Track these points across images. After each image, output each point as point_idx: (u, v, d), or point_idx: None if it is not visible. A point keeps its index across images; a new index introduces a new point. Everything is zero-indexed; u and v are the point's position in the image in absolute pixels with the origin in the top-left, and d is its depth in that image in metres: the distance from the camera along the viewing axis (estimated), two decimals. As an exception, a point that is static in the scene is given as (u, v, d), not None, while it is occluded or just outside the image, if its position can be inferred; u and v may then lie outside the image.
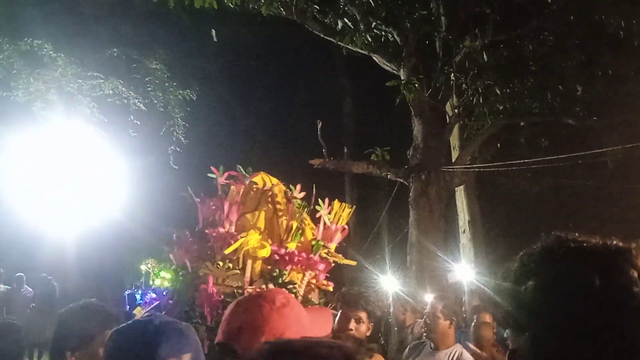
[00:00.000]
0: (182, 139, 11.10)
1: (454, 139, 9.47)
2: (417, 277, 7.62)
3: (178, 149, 11.00)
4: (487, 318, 4.20)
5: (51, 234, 6.86)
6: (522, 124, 8.92)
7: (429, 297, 6.13)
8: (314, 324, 1.60)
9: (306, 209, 2.85)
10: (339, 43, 8.28)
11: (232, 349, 1.45)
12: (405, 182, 8.29)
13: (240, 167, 2.80)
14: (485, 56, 7.46)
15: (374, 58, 8.55)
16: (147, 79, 10.97)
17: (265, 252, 2.62)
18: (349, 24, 8.08)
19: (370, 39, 7.95)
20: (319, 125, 8.12)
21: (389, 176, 8.44)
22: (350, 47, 8.33)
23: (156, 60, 11.04)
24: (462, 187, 9.52)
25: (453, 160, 8.79)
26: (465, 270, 7.15)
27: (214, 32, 9.69)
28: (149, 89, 10.98)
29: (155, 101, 11.08)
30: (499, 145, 9.35)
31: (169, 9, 8.36)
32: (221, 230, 2.63)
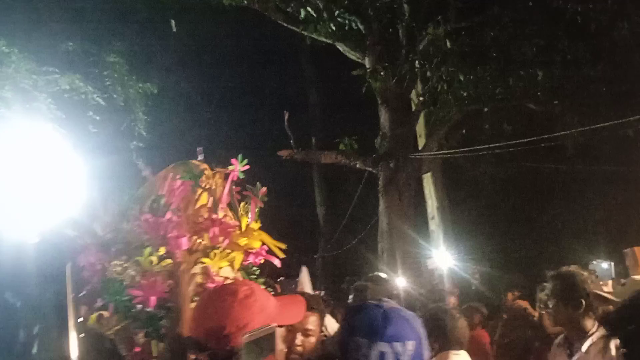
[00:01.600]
0: (144, 133, 10.84)
1: (420, 127, 9.54)
2: (389, 264, 7.68)
3: (140, 144, 10.74)
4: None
5: (10, 237, 6.59)
6: (485, 110, 9.05)
7: (401, 282, 6.18)
8: (282, 313, 1.59)
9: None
10: (302, 32, 8.20)
11: (197, 342, 1.47)
12: (374, 171, 8.32)
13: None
14: (448, 43, 7.51)
15: (339, 47, 8.53)
16: (105, 72, 10.64)
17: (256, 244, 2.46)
18: (312, 12, 8.01)
19: (334, 28, 7.91)
20: (286, 116, 8.05)
21: (357, 165, 8.46)
22: (314, 37, 8.27)
23: (114, 54, 10.71)
24: (429, 174, 9.62)
25: (420, 148, 8.86)
26: (444, 256, 7.25)
27: (173, 22, 9.46)
28: (108, 83, 10.65)
29: (115, 96, 10.77)
30: (464, 131, 9.47)
31: (127, 0, 8.12)
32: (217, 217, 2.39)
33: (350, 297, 3.93)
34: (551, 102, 8.24)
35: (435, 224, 9.96)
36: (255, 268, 2.54)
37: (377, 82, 7.65)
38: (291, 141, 8.14)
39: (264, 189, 2.56)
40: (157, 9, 9.66)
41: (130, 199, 2.43)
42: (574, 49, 7.83)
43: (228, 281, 2.28)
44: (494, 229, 10.21)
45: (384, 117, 8.23)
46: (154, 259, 2.28)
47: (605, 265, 4.64)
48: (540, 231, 9.83)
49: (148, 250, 2.27)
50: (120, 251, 2.29)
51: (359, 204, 10.65)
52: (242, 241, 2.47)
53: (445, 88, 7.92)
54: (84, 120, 10.27)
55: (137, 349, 2.24)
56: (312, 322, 2.46)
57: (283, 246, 2.55)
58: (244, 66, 12.14)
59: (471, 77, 7.83)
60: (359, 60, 8.40)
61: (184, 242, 2.29)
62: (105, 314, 2.22)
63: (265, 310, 1.52)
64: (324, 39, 8.23)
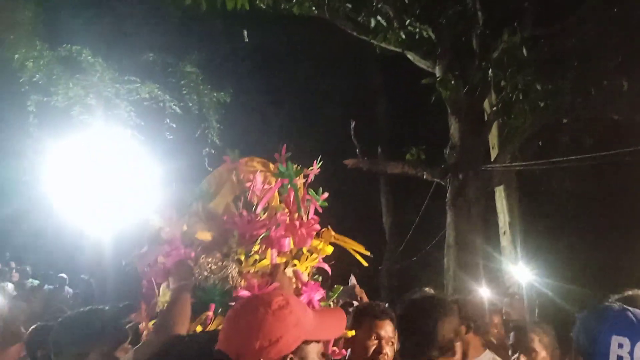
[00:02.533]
0: (217, 140, 11.18)
1: (493, 138, 9.21)
2: (454, 279, 7.44)
3: (212, 151, 11.08)
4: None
5: (91, 235, 6.98)
6: (564, 121, 8.60)
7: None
8: (321, 326, 1.48)
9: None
10: (372, 41, 8.16)
11: (226, 356, 1.37)
12: (442, 183, 8.11)
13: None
14: (524, 51, 7.21)
15: (408, 56, 8.40)
16: (182, 82, 11.13)
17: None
18: (382, 21, 7.94)
19: (404, 37, 7.81)
20: (352, 125, 8.02)
21: (424, 176, 8.27)
22: (384, 45, 8.20)
23: (190, 64, 11.18)
24: (501, 187, 9.26)
25: (492, 160, 8.55)
26: (523, 272, 6.94)
27: (245, 33, 9.72)
28: (184, 92, 11.13)
29: (190, 104, 11.23)
30: (540, 144, 9.04)
31: (202, 13, 8.41)
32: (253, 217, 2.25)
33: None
34: (637, 113, 7.71)
35: (507, 240, 9.55)
36: (316, 275, 2.40)
37: (448, 91, 7.46)
38: (357, 150, 8.09)
39: (325, 194, 2.44)
40: (230, 20, 9.97)
41: (191, 195, 2.37)
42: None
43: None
44: (570, 246, 9.65)
45: (453, 127, 8.01)
46: (251, 259, 2.17)
47: None
48: (620, 250, 9.18)
49: (242, 249, 2.15)
50: (207, 248, 2.17)
51: (427, 216, 10.42)
52: (318, 245, 2.35)
53: (521, 98, 7.60)
54: (161, 127, 10.77)
55: None
56: (391, 330, 2.46)
57: (366, 252, 2.43)
58: (313, 75, 12.26)
59: (549, 86, 7.48)
60: (429, 69, 8.23)
61: (287, 243, 2.19)
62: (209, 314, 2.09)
63: (301, 323, 1.42)
64: (393, 48, 8.15)
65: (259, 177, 2.32)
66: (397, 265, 12.36)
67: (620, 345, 1.48)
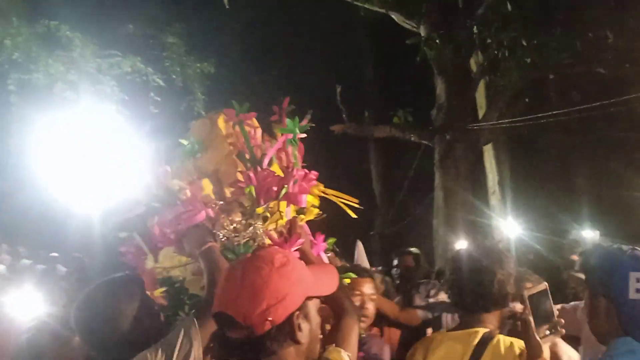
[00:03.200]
0: (203, 112, 11.06)
1: (480, 97, 9.17)
2: (444, 239, 7.50)
3: (199, 123, 10.97)
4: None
5: (78, 212, 6.94)
6: (551, 77, 8.55)
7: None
8: (319, 282, 1.47)
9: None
10: (355, 3, 8.01)
11: (230, 318, 1.33)
12: (429, 144, 8.09)
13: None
14: (509, 6, 7.10)
15: (393, 16, 8.26)
16: (164, 54, 10.92)
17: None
18: (365, -18, 7.80)
19: (387, -4, 7.66)
20: (339, 90, 7.94)
21: (412, 138, 8.25)
22: (367, 7, 8.05)
23: (172, 35, 10.96)
24: (490, 146, 9.27)
25: (479, 119, 8.52)
26: (512, 227, 6.99)
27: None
28: (167, 64, 10.93)
29: (174, 76, 11.04)
30: (527, 100, 9.00)
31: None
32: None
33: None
34: (623, 66, 7.67)
35: (496, 199, 9.62)
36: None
37: (433, 51, 7.37)
38: (344, 115, 8.02)
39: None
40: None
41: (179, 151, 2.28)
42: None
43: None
44: (561, 202, 9.73)
45: (440, 87, 7.95)
46: (275, 215, 2.10)
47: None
48: (608, 201, 9.26)
49: (262, 208, 2.06)
50: (224, 208, 2.08)
51: (417, 179, 10.44)
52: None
53: (507, 55, 7.53)
54: (145, 101, 10.61)
55: None
56: (371, 287, 2.71)
57: (355, 201, 2.37)
58: (298, 41, 12.06)
59: (535, 42, 7.40)
60: (414, 29, 8.12)
61: (304, 199, 2.14)
62: None
63: (303, 280, 1.40)
64: (377, 9, 8.00)
65: (259, 132, 2.27)
66: (388, 230, 12.43)
67: (638, 280, 1.59)
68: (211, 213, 2.01)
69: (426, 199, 9.46)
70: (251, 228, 2.04)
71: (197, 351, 1.66)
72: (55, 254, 9.94)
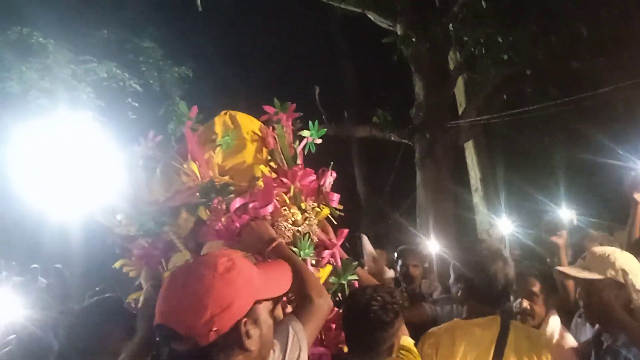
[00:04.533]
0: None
1: (459, 95, 9.21)
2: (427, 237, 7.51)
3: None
4: None
5: (55, 221, 6.81)
6: (527, 72, 8.64)
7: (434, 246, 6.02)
8: (269, 283, 1.38)
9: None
10: (330, 2, 8.00)
11: (172, 331, 1.23)
12: (409, 143, 8.11)
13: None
14: (483, 3, 7.16)
15: (369, 15, 8.27)
16: (141, 58, 10.79)
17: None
18: (340, -19, 7.79)
19: (363, -5, 7.67)
20: (317, 91, 7.91)
21: (392, 138, 8.26)
22: (343, 6, 8.05)
23: (148, 39, 10.84)
24: (470, 143, 9.31)
25: (459, 116, 8.57)
26: (506, 223, 6.99)
27: (199, 1, 9.43)
28: (144, 69, 10.81)
29: (152, 81, 10.93)
30: (504, 97, 9.08)
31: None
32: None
33: None
34: (597, 59, 7.77)
35: (478, 196, 9.66)
36: None
37: (410, 49, 7.39)
38: (323, 116, 7.99)
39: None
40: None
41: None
42: (619, 3, 7.34)
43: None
44: (543, 195, 9.82)
45: (418, 85, 7.97)
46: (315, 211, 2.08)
47: None
48: (588, 193, 9.36)
49: (305, 204, 2.02)
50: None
51: (399, 179, 10.46)
52: None
53: (483, 51, 7.59)
54: (123, 106, 10.47)
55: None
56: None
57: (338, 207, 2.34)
58: (275, 42, 12.03)
59: (510, 38, 7.46)
60: (391, 28, 8.14)
61: (336, 198, 2.14)
62: None
63: (251, 283, 1.31)
64: (353, 8, 8.00)
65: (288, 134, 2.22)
66: (373, 230, 12.43)
67: None
68: (277, 205, 1.96)
69: (409, 197, 9.48)
70: (306, 221, 2.01)
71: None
72: (36, 265, 9.75)
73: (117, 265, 2.15)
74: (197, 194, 1.95)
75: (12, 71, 9.45)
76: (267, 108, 2.21)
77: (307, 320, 1.59)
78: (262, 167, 2.16)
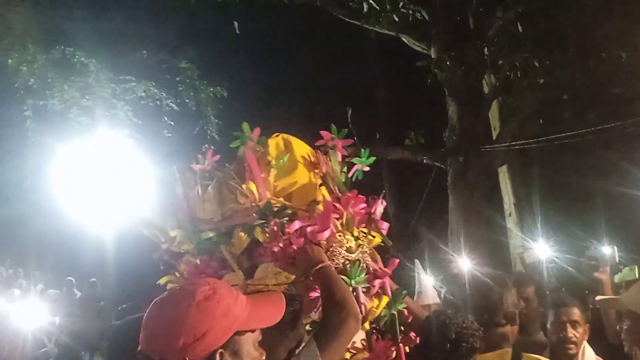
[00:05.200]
0: (216, 136, 11.12)
1: (494, 119, 9.10)
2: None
3: (212, 147, 11.00)
4: None
5: (92, 237, 6.95)
6: (565, 97, 8.48)
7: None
8: (255, 314, 1.35)
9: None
10: (364, 26, 8.06)
11: (148, 357, 1.25)
12: (442, 166, 8.03)
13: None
14: (520, 27, 7.09)
15: (403, 39, 8.29)
16: (177, 78, 11.05)
17: None
18: (375, 5, 7.83)
19: (397, 19, 7.69)
20: (349, 112, 7.92)
21: (424, 161, 8.19)
22: (377, 29, 8.10)
23: (186, 60, 11.10)
24: (505, 168, 9.16)
25: (494, 140, 8.45)
26: (543, 248, 6.79)
27: (236, 24, 9.63)
28: (181, 89, 11.06)
29: (187, 100, 11.16)
30: (541, 121, 8.92)
31: (194, 6, 8.34)
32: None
33: None
34: (638, 85, 7.59)
35: (512, 221, 9.46)
36: None
37: (444, 73, 7.36)
38: (355, 138, 7.98)
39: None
40: (223, 12, 9.89)
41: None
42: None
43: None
44: (580, 222, 9.55)
45: (452, 109, 7.91)
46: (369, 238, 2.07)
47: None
48: (628, 221, 9.07)
49: (357, 231, 2.02)
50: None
51: (430, 202, 10.33)
52: None
53: (519, 75, 7.49)
54: (159, 125, 10.72)
55: None
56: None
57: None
58: (309, 64, 12.15)
59: (547, 62, 7.36)
60: (425, 52, 8.13)
61: (386, 226, 2.13)
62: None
63: (231, 313, 1.29)
64: (387, 31, 8.04)
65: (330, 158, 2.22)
66: (400, 254, 12.26)
67: None
68: (334, 230, 1.95)
69: (440, 221, 9.35)
70: (359, 249, 1.99)
71: None
72: (72, 278, 9.97)
73: (162, 281, 2.14)
74: (255, 214, 1.94)
75: (54, 89, 9.80)
76: (324, 133, 2.21)
77: (331, 342, 1.58)
78: (323, 189, 2.16)
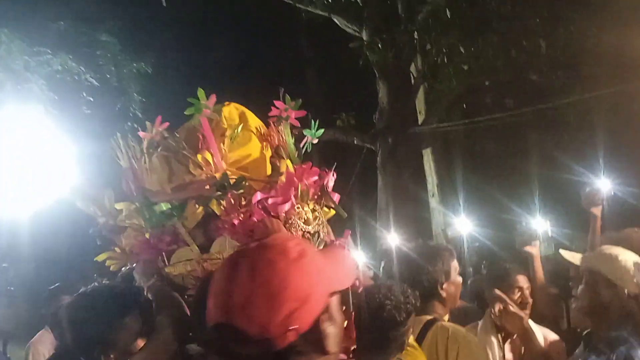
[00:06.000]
0: (139, 114, 10.68)
1: (420, 103, 9.36)
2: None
3: (135, 125, 10.58)
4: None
5: (4, 219, 6.51)
6: (487, 83, 8.86)
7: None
8: (339, 272, 1.17)
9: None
10: (297, 5, 7.99)
11: (240, 330, 1.02)
12: (372, 147, 8.17)
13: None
14: (448, 13, 7.30)
15: (335, 20, 8.30)
16: (98, 52, 10.46)
17: None
18: (308, -15, 7.79)
19: (330, 0, 7.69)
20: (281, 93, 7.85)
21: (355, 141, 8.30)
22: (310, 10, 8.05)
23: (107, 33, 10.53)
24: (429, 150, 9.47)
25: (420, 124, 8.70)
26: (465, 224, 7.06)
27: (163, -3, 9.24)
28: (101, 63, 10.49)
29: (109, 76, 10.61)
30: (464, 106, 9.28)
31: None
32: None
33: None
34: (554, 73, 8.05)
35: (435, 201, 9.83)
36: None
37: (375, 55, 7.46)
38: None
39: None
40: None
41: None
42: (578, 19, 7.62)
43: None
44: (498, 205, 10.09)
45: (382, 91, 8.06)
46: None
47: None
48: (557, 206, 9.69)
49: (312, 203, 1.94)
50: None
51: (360, 182, 10.51)
52: None
53: (446, 61, 7.73)
54: (77, 101, 10.13)
55: None
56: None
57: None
58: (239, 42, 11.91)
59: (472, 49, 7.64)
60: (357, 34, 8.19)
61: (337, 198, 2.09)
62: None
63: (324, 273, 1.10)
64: (320, 12, 8.02)
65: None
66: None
67: None
68: (294, 202, 1.85)
69: (370, 200, 9.55)
70: (316, 221, 1.92)
71: None
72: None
73: (100, 258, 2.04)
74: (211, 186, 1.87)
75: (-41, 59, 9.00)
76: (278, 103, 2.16)
77: None
78: (288, 161, 2.11)
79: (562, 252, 2.60)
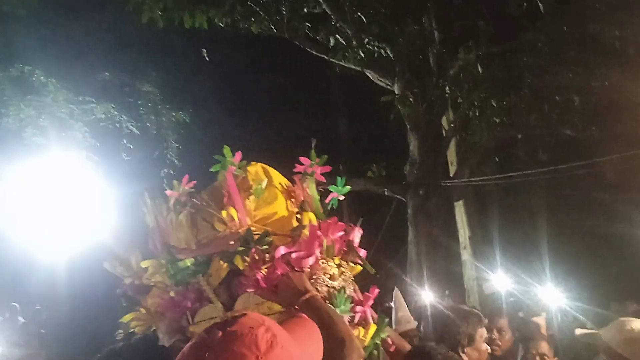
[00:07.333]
0: (176, 161, 10.97)
1: (452, 155, 9.38)
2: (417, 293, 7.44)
3: (171, 172, 10.85)
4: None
5: (42, 261, 6.68)
6: (519, 136, 8.83)
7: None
8: (307, 353, 1.16)
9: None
10: (331, 60, 8.23)
11: None
12: (402, 199, 8.17)
13: None
14: (479, 69, 7.40)
15: (368, 74, 8.50)
16: (139, 102, 10.88)
17: None
18: (341, 40, 8.03)
19: (363, 55, 7.91)
20: (313, 144, 7.98)
21: (386, 193, 8.32)
22: (343, 64, 8.28)
23: (148, 83, 10.97)
24: (461, 202, 9.40)
25: (451, 176, 8.69)
26: (504, 280, 6.92)
27: (205, 51, 9.63)
28: (142, 112, 10.88)
29: (148, 124, 10.98)
30: (497, 159, 9.25)
31: (160, 31, 8.32)
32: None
33: None
34: (589, 128, 7.98)
35: (467, 254, 9.67)
36: None
37: (406, 108, 7.58)
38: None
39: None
40: (189, 39, 9.87)
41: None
42: (611, 73, 7.60)
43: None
44: (528, 258, 9.86)
45: (413, 144, 8.12)
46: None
47: None
48: (573, 258, 9.40)
49: (338, 259, 1.93)
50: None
51: (389, 234, 10.43)
52: None
53: (477, 114, 7.78)
54: (117, 148, 10.48)
55: None
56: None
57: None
58: (273, 94, 12.23)
59: (504, 103, 7.68)
60: (389, 87, 8.35)
61: (364, 254, 2.07)
62: None
63: (294, 357, 1.07)
64: (352, 66, 8.23)
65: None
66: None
67: None
68: (319, 256, 1.84)
69: (399, 252, 9.45)
70: (342, 276, 1.90)
71: None
72: (15, 304, 9.44)
73: (126, 319, 2.01)
74: (235, 241, 1.85)
75: (9, 107, 9.47)
76: (303, 159, 2.17)
77: None
78: (310, 214, 2.08)
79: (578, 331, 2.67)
